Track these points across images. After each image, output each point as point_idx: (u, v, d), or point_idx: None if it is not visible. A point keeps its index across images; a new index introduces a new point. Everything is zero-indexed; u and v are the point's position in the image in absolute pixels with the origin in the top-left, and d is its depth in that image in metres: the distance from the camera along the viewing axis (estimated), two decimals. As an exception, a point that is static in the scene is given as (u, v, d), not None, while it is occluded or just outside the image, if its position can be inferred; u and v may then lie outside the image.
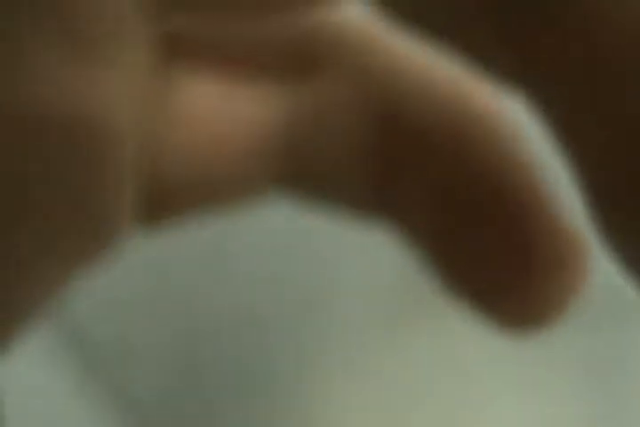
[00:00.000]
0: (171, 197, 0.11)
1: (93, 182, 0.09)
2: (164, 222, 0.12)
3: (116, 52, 0.09)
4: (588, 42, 0.07)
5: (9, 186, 0.09)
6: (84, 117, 0.09)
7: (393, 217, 0.12)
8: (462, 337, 0.68)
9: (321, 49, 0.12)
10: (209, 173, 0.11)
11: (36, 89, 0.08)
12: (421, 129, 0.11)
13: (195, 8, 0.10)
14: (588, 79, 0.07)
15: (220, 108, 0.11)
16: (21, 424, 0.62)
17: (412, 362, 0.74)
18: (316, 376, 0.77)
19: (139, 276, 0.68)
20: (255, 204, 0.12)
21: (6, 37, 0.08)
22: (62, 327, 0.73)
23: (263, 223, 0.64)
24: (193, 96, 0.11)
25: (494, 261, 0.11)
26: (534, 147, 0.12)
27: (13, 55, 0.08)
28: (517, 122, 0.12)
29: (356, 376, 0.79)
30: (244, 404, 0.81)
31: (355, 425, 0.82)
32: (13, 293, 0.09)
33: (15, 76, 0.08)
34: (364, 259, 0.65)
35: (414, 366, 0.74)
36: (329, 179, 0.12)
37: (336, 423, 0.82)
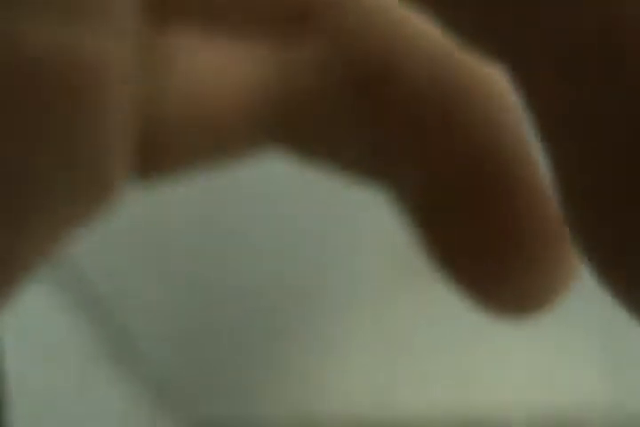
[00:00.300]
0: (165, 150, 0.11)
1: (89, 131, 0.09)
2: (160, 177, 0.12)
3: (106, 3, 0.09)
4: None
5: (4, 135, 0.09)
6: (78, 62, 0.09)
7: (385, 183, 0.12)
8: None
9: (313, 5, 0.11)
10: (202, 126, 0.11)
11: (32, 33, 0.08)
12: (411, 95, 0.11)
13: None
14: None
15: (211, 63, 0.11)
16: (20, 361, 0.63)
17: (417, 320, 0.74)
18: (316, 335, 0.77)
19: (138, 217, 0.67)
20: (250, 159, 0.12)
21: None
22: (59, 266, 0.73)
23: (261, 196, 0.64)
24: (183, 52, 0.11)
25: (486, 246, 0.11)
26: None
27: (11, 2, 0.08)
28: (509, 92, 0.11)
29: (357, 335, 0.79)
30: (243, 349, 0.81)
31: (352, 382, 0.82)
32: (13, 248, 0.09)
33: (10, 20, 0.08)
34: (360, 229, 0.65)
35: (419, 323, 0.75)
36: (320, 139, 0.12)
37: (335, 381, 0.82)
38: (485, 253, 0.11)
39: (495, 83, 0.11)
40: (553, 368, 0.75)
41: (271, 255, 0.70)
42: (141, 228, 0.69)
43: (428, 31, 0.11)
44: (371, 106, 0.11)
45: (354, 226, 0.64)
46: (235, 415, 0.91)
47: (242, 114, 0.11)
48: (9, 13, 0.08)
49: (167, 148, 0.11)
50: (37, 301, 0.72)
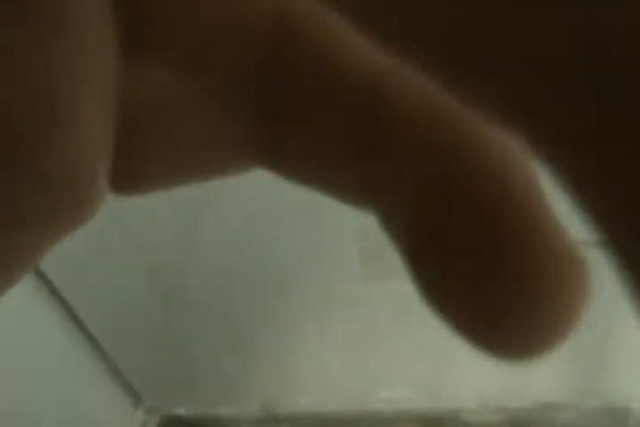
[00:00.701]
0: (143, 169, 0.11)
1: (69, 151, 0.09)
2: (142, 191, 0.12)
3: (66, 18, 0.09)
4: None
5: None
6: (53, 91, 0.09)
7: (373, 209, 0.11)
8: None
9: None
10: (186, 142, 0.11)
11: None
12: (395, 115, 0.10)
13: None
14: None
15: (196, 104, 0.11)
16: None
17: (391, 316, 0.74)
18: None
19: None
20: (232, 176, 0.12)
21: None
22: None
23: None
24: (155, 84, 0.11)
25: (477, 279, 0.10)
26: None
27: None
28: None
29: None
30: (217, 345, 0.81)
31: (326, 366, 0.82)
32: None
33: None
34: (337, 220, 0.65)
35: (393, 319, 0.75)
36: (306, 167, 0.11)
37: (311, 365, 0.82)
38: (478, 291, 0.10)
39: None
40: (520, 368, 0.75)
41: (246, 250, 0.70)
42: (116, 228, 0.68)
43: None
44: (355, 125, 0.11)
45: (333, 221, 0.64)
46: (207, 413, 0.91)
47: (225, 135, 0.11)
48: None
49: (146, 165, 0.11)
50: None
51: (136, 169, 0.11)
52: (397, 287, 0.69)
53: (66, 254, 0.72)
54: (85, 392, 0.83)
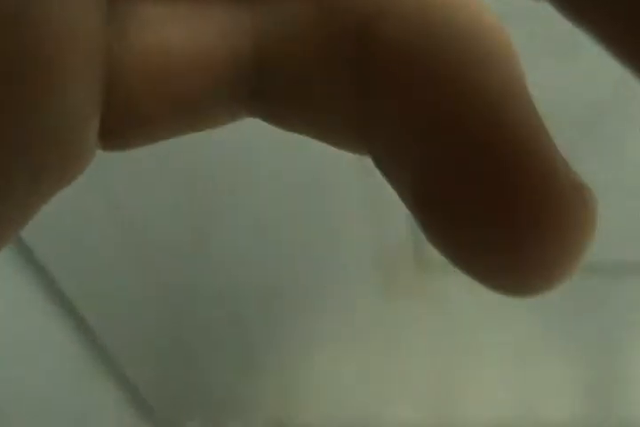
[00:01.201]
0: (133, 119, 0.11)
1: (57, 101, 0.09)
2: (127, 145, 0.12)
3: None
4: None
5: None
6: (43, 32, 0.09)
7: (373, 145, 0.11)
8: (457, 299, 0.68)
9: None
10: (170, 96, 0.11)
11: None
12: (402, 47, 0.10)
13: None
14: None
15: (181, 30, 0.11)
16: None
17: (402, 329, 0.74)
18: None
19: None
20: (226, 124, 0.12)
21: None
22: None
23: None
24: (152, 20, 0.11)
25: (479, 213, 0.10)
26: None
27: None
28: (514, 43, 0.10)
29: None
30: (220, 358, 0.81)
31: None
32: None
33: None
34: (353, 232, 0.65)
35: (401, 334, 0.75)
36: (302, 99, 0.11)
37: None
38: (486, 221, 0.10)
39: (496, 31, 0.10)
40: (535, 387, 0.75)
41: (246, 262, 0.71)
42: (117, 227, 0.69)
43: None
44: (359, 59, 0.10)
45: (351, 237, 0.65)
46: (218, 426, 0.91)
47: (213, 83, 0.11)
48: None
49: (134, 117, 0.11)
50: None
51: (123, 120, 0.11)
52: (414, 307, 0.69)
53: (78, 266, 0.72)
54: (96, 404, 0.83)
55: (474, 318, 0.69)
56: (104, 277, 0.73)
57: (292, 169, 0.59)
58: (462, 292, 0.65)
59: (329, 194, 0.60)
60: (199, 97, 0.11)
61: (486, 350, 0.73)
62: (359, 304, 0.71)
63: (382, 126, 0.10)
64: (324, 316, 0.74)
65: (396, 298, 0.69)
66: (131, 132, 0.11)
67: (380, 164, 0.11)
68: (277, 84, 0.11)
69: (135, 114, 0.11)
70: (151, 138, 0.12)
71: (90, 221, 0.67)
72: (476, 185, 0.10)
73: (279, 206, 0.63)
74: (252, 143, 0.58)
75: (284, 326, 0.76)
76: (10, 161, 0.09)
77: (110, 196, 0.64)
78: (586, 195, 0.10)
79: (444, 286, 0.65)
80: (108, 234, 0.68)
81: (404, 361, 0.77)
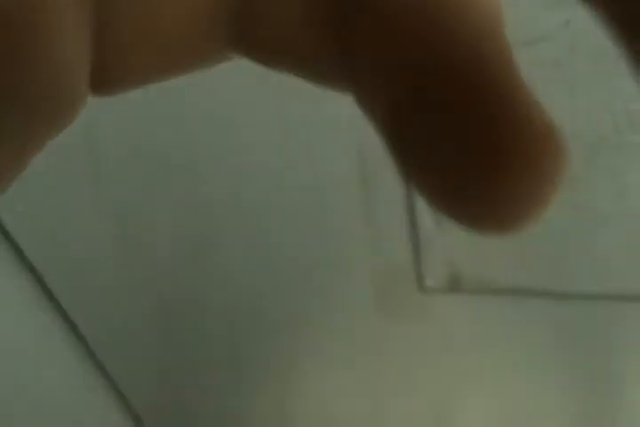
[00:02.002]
0: (123, 64, 0.11)
1: (46, 49, 0.09)
2: (122, 88, 0.11)
3: None
4: None
5: None
6: None
7: (353, 88, 0.11)
8: (456, 321, 0.68)
9: None
10: (158, 37, 0.11)
11: None
12: None
13: None
14: None
15: None
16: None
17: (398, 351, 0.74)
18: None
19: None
20: (212, 67, 0.12)
21: None
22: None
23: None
24: None
25: (453, 153, 0.10)
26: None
27: None
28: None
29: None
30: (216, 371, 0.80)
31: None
32: None
33: None
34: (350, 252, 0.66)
35: (398, 359, 0.75)
36: (285, 42, 0.11)
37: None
38: (464, 162, 0.10)
39: None
40: (531, 410, 0.75)
41: (247, 277, 0.71)
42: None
43: None
44: (338, 7, 0.11)
45: (347, 257, 0.65)
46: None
47: (200, 23, 0.11)
48: None
49: (124, 61, 0.11)
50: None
51: (113, 66, 0.11)
52: (413, 328, 0.69)
53: (77, 280, 0.72)
54: (87, 414, 0.83)
55: (472, 340, 0.69)
56: (102, 292, 0.74)
57: (293, 189, 0.59)
58: (461, 313, 0.66)
59: (329, 214, 0.60)
60: (188, 40, 0.11)
61: (484, 372, 0.73)
62: (358, 325, 0.71)
63: (363, 66, 0.11)
64: (321, 336, 0.74)
65: (395, 319, 0.69)
66: (120, 78, 0.11)
67: (360, 101, 0.11)
68: (263, 26, 0.11)
69: (125, 59, 0.11)
70: (142, 82, 0.12)
71: (90, 238, 0.67)
72: (447, 122, 0.10)
73: (279, 226, 0.63)
74: (252, 161, 0.58)
75: (279, 345, 0.76)
76: (2, 108, 0.09)
77: (111, 213, 0.65)
78: (556, 135, 0.10)
79: (443, 307, 0.66)
80: (107, 250, 0.68)
81: (401, 382, 0.77)
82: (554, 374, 0.71)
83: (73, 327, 0.77)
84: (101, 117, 0.58)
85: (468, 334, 0.68)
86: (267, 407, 0.85)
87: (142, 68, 0.11)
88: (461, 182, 0.10)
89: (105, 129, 0.59)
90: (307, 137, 0.55)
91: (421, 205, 0.55)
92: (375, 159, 0.54)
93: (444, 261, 0.60)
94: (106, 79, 0.11)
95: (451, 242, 0.58)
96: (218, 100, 0.55)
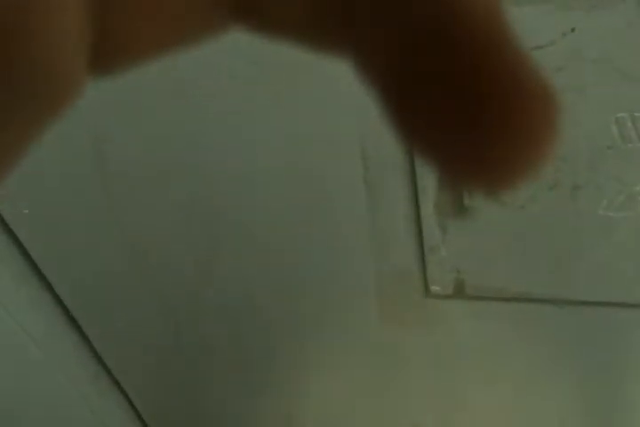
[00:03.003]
0: (122, 41, 0.11)
1: (41, 33, 0.09)
2: (120, 69, 0.11)
3: None
4: None
5: None
6: None
7: (351, 56, 0.11)
8: (459, 327, 0.68)
9: None
10: (165, 3, 0.11)
11: None
12: None
13: None
14: None
15: None
16: None
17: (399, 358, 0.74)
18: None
19: None
20: (212, 40, 0.12)
21: None
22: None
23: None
24: None
25: (448, 118, 0.10)
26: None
27: None
28: None
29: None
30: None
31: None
32: None
33: None
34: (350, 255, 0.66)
35: (396, 363, 0.75)
36: (285, 9, 0.11)
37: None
38: (455, 121, 0.10)
39: None
40: (536, 414, 0.75)
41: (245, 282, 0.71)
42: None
43: None
44: None
45: (350, 262, 0.65)
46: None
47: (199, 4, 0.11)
48: None
49: (128, 33, 0.11)
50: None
51: (113, 47, 0.11)
52: (416, 334, 0.69)
53: (86, 288, 0.73)
54: (93, 419, 0.83)
55: (476, 345, 0.69)
56: (109, 297, 0.74)
57: (299, 197, 0.59)
58: (466, 319, 0.66)
59: (335, 221, 0.60)
60: (192, 9, 0.11)
61: (489, 380, 0.72)
62: (364, 330, 0.71)
63: (364, 32, 0.11)
64: (328, 341, 0.74)
65: (400, 325, 0.69)
66: (123, 51, 0.11)
67: (358, 68, 0.11)
68: None
69: (129, 30, 0.11)
70: (143, 55, 0.11)
71: (98, 245, 0.67)
72: (444, 83, 0.10)
73: (282, 231, 0.63)
74: (256, 169, 0.59)
75: (285, 350, 0.76)
76: (3, 91, 0.09)
77: (117, 219, 0.65)
78: (551, 96, 0.10)
79: (448, 313, 0.66)
80: (113, 255, 0.69)
81: (406, 386, 0.77)
82: (556, 379, 0.71)
83: (79, 331, 0.78)
84: (111, 127, 0.58)
85: (472, 340, 0.68)
86: (272, 410, 0.85)
87: (145, 40, 0.11)
88: (459, 141, 0.10)
89: (113, 136, 0.59)
90: (311, 144, 0.55)
91: (427, 213, 0.56)
92: (380, 166, 0.54)
93: (450, 268, 0.60)
94: (107, 54, 0.11)
95: (456, 249, 0.58)
96: (222, 107, 0.55)
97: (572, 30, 0.42)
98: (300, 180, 0.58)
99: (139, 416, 0.90)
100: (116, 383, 0.85)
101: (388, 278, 0.64)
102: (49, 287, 0.72)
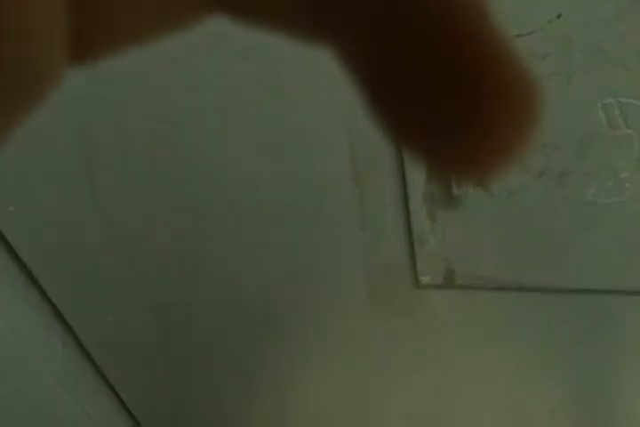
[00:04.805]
0: (100, 32, 0.11)
1: (19, 24, 0.09)
2: (105, 54, 0.11)
3: None
4: None
5: None
6: None
7: (333, 46, 0.11)
8: (450, 319, 0.68)
9: None
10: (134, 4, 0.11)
11: None
12: None
13: None
14: None
15: None
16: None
17: (387, 354, 0.74)
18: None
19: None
20: (190, 27, 0.11)
21: None
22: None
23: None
24: None
25: (431, 109, 0.10)
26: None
27: None
28: None
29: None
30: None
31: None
32: None
33: None
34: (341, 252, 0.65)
35: (388, 358, 0.75)
36: (265, 1, 0.11)
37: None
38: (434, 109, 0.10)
39: None
40: (526, 406, 0.75)
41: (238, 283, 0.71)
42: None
43: None
44: None
45: (339, 256, 0.65)
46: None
47: None
48: None
49: (104, 26, 0.11)
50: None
51: (92, 35, 0.11)
52: (407, 326, 0.69)
53: (73, 283, 0.72)
54: (85, 419, 0.83)
55: (466, 335, 0.69)
56: (97, 295, 0.73)
57: (289, 189, 0.59)
58: (455, 309, 0.66)
59: (324, 214, 0.60)
60: (168, 1, 0.11)
61: (478, 369, 0.73)
62: (354, 321, 0.71)
63: (347, 20, 0.11)
64: (318, 332, 0.74)
65: (390, 315, 0.69)
66: (101, 45, 0.11)
67: (340, 57, 0.11)
68: None
69: (105, 27, 0.11)
70: (122, 47, 0.11)
71: (86, 243, 0.67)
72: (427, 70, 0.10)
73: (274, 227, 0.63)
74: (248, 166, 0.58)
75: (275, 344, 0.76)
76: None
77: (105, 216, 0.65)
78: (532, 84, 0.10)
79: (437, 303, 0.66)
80: (100, 252, 0.68)
81: (397, 377, 0.77)
82: (547, 368, 0.71)
83: (70, 331, 0.77)
84: (95, 121, 0.57)
85: (462, 329, 0.68)
86: (264, 407, 0.85)
87: (125, 27, 0.11)
88: (443, 131, 0.10)
89: (98, 130, 0.58)
90: (299, 139, 0.55)
91: (415, 203, 0.55)
92: (368, 158, 0.54)
93: (438, 258, 0.60)
94: (87, 41, 0.11)
95: (445, 239, 0.58)
96: (213, 110, 0.55)
97: (558, 17, 0.42)
98: (289, 173, 0.58)
99: (129, 413, 0.89)
100: (105, 380, 0.84)
101: (378, 270, 0.64)
102: (36, 285, 0.72)
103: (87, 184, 0.62)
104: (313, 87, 0.51)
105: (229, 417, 0.87)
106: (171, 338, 0.78)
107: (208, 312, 0.75)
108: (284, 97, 0.53)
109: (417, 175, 0.53)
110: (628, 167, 0.50)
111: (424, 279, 0.62)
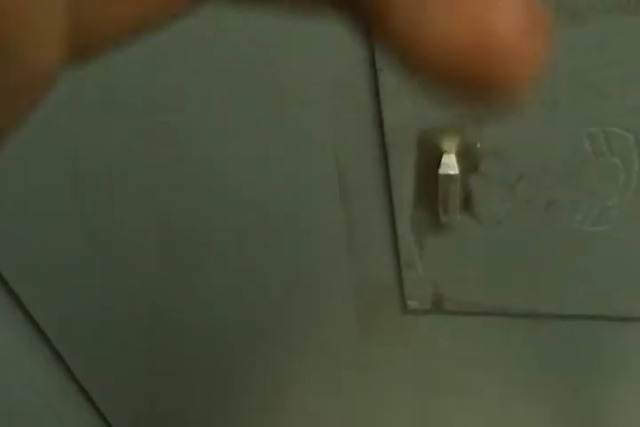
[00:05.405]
0: (97, 18, 0.11)
1: (16, 20, 0.09)
2: (99, 49, 0.11)
3: None
4: None
5: None
6: None
7: (339, 13, 0.11)
8: (439, 343, 0.68)
9: None
10: None
11: None
12: None
13: None
14: None
15: None
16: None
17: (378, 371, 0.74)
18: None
19: None
20: (187, 15, 0.11)
21: None
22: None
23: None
24: None
25: (444, 45, 0.10)
26: None
27: None
28: None
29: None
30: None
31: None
32: None
33: None
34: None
35: (380, 374, 0.75)
36: None
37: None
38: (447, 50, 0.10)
39: None
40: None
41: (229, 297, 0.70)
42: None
43: None
44: None
45: (331, 275, 0.65)
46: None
47: None
48: None
49: (97, 18, 0.11)
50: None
51: (89, 32, 0.11)
52: (396, 350, 0.69)
53: (55, 297, 0.72)
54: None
55: (454, 360, 0.69)
56: (83, 310, 0.73)
57: (276, 213, 0.59)
58: (443, 333, 0.66)
59: (312, 238, 0.60)
60: None
61: (468, 394, 0.73)
62: (343, 346, 0.71)
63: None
64: (306, 356, 0.74)
65: (378, 340, 0.69)
66: (94, 39, 0.11)
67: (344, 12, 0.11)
68: None
69: (97, 19, 0.11)
70: (115, 41, 0.11)
71: (69, 249, 0.67)
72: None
73: (262, 249, 0.63)
74: (238, 183, 0.58)
75: (265, 364, 0.76)
76: None
77: (92, 229, 0.65)
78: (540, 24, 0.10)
79: (425, 328, 0.66)
80: (89, 266, 0.68)
81: (385, 400, 0.77)
82: (535, 393, 0.71)
83: (46, 340, 0.77)
84: (81, 128, 0.58)
85: (450, 354, 0.68)
86: (251, 424, 0.85)
87: (120, 20, 0.11)
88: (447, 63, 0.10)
89: (84, 137, 0.58)
90: (285, 162, 0.55)
91: (403, 229, 0.56)
92: (356, 182, 0.55)
93: (427, 283, 0.60)
94: (81, 36, 0.11)
95: (433, 264, 0.58)
96: (206, 124, 0.55)
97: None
98: (279, 198, 0.58)
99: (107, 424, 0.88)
100: (84, 391, 0.84)
101: (365, 295, 0.64)
102: (16, 299, 0.71)
103: (75, 194, 0.62)
104: (300, 107, 0.52)
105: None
106: (155, 353, 0.78)
107: (195, 328, 0.74)
108: (270, 116, 0.53)
109: (405, 201, 0.54)
110: (614, 195, 0.50)
111: (412, 304, 0.62)
